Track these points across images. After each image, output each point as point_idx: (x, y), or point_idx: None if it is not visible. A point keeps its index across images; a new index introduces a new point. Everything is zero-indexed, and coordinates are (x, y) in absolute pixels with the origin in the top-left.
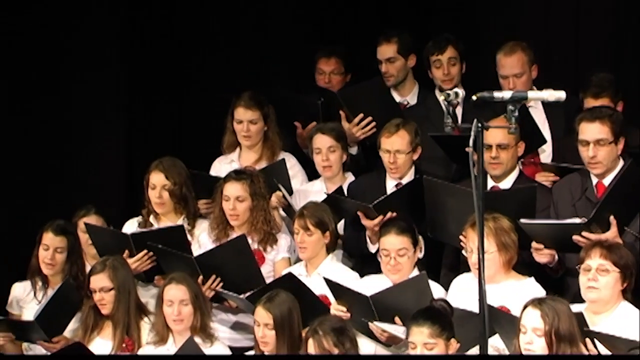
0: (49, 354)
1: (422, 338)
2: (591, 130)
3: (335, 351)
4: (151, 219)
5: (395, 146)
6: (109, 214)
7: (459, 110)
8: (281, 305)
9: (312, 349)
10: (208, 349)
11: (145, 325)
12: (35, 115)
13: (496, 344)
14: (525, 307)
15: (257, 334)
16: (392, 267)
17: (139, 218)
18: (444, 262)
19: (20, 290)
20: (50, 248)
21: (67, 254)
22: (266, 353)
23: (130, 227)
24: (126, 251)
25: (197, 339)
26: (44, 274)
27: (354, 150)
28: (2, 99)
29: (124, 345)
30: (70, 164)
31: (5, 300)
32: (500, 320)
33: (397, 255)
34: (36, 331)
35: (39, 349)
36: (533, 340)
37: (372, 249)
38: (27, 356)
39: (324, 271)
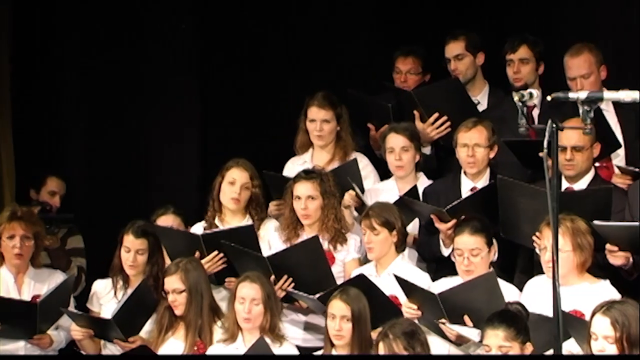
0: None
1: (497, 341)
2: None
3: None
4: (216, 221)
5: (474, 140)
6: (186, 215)
7: (535, 112)
8: (358, 300)
9: (382, 352)
10: (277, 349)
11: (218, 327)
12: (116, 120)
13: (571, 348)
14: (594, 313)
15: (332, 327)
16: (465, 267)
17: (204, 222)
18: (517, 265)
19: (101, 287)
20: (131, 250)
21: (148, 255)
22: (339, 347)
23: (196, 231)
24: (197, 252)
25: (266, 339)
26: (125, 273)
27: (427, 150)
28: (86, 104)
29: (195, 347)
30: (148, 166)
31: (87, 297)
32: (574, 325)
33: (471, 255)
34: (113, 330)
35: (114, 349)
36: (605, 347)
37: (445, 252)
38: (50, 356)
39: (393, 271)
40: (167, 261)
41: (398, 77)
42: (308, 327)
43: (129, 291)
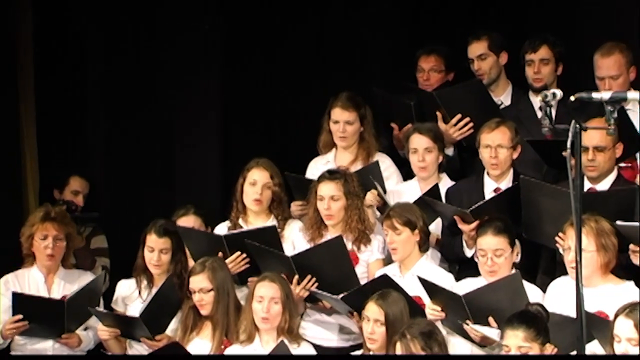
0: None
1: (516, 342)
2: None
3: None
4: (240, 221)
5: (497, 141)
6: (207, 215)
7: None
8: (394, 304)
9: (399, 352)
10: (295, 350)
11: (244, 327)
12: (139, 120)
13: (594, 350)
14: (617, 315)
15: (365, 330)
16: (489, 268)
17: (228, 223)
18: (540, 266)
19: (126, 287)
20: (155, 250)
21: (171, 253)
22: (373, 350)
23: (220, 231)
24: (220, 253)
25: (284, 340)
26: (149, 273)
27: (449, 151)
28: (109, 105)
29: (222, 346)
30: (171, 166)
31: (111, 297)
32: (597, 326)
33: (494, 256)
34: (140, 328)
35: (141, 348)
36: (628, 350)
37: (469, 253)
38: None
39: (417, 271)
40: (190, 260)
41: (421, 75)
42: (331, 327)
43: (154, 290)
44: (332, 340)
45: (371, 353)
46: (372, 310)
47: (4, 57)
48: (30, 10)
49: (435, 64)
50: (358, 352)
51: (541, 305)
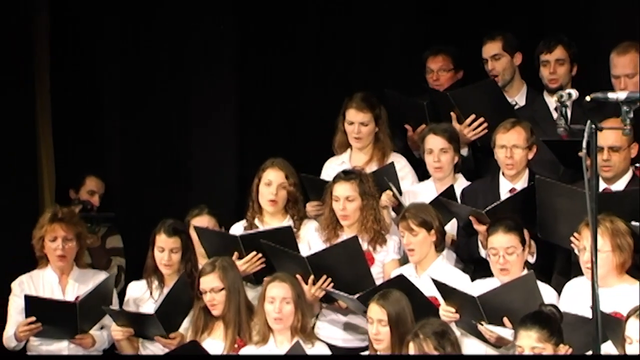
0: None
1: (529, 342)
2: None
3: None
4: (256, 221)
5: (512, 141)
6: (221, 215)
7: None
8: (395, 303)
9: (412, 352)
10: (309, 350)
11: (255, 326)
12: (154, 120)
13: (608, 350)
14: (628, 316)
15: (370, 331)
16: (501, 266)
17: (244, 222)
18: (556, 266)
19: (137, 289)
20: (165, 249)
21: (181, 252)
22: (379, 351)
23: (236, 231)
24: (235, 253)
25: (299, 341)
26: (159, 273)
27: (464, 151)
28: (124, 105)
29: (235, 345)
30: (187, 166)
31: (123, 299)
32: (612, 326)
33: (506, 254)
34: (155, 326)
35: (155, 349)
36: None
37: (484, 253)
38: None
39: (433, 272)
40: (201, 260)
41: (430, 76)
42: (348, 327)
43: (165, 290)
44: (347, 340)
45: (378, 353)
46: (375, 310)
47: (20, 56)
48: (46, 9)
49: (444, 63)
50: (366, 353)
51: (555, 306)
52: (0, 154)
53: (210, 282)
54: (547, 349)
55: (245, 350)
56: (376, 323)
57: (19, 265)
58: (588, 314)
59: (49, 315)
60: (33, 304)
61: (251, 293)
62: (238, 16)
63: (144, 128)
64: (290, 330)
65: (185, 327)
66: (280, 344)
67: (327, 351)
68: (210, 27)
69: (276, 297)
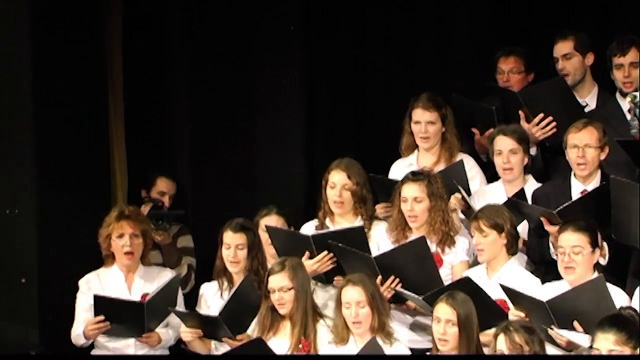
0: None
1: (607, 345)
2: None
3: (527, 348)
4: (327, 221)
5: (584, 141)
6: (289, 215)
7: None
8: (464, 304)
9: (502, 344)
10: (388, 349)
11: (321, 327)
12: (223, 121)
13: None
14: None
15: (436, 331)
16: (565, 265)
17: (315, 222)
18: (630, 268)
19: (208, 290)
20: (231, 246)
21: (247, 249)
22: (444, 352)
23: (308, 230)
24: (307, 252)
25: (378, 339)
26: (229, 274)
27: (532, 150)
28: (195, 108)
29: (300, 345)
30: (255, 167)
31: (196, 299)
32: None
33: (572, 253)
34: (221, 327)
35: (225, 348)
36: None
37: (555, 255)
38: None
39: (503, 275)
40: (270, 260)
41: (501, 77)
42: (415, 328)
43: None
44: (416, 341)
45: (444, 351)
46: (444, 310)
47: (94, 59)
48: (119, 11)
49: (515, 65)
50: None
51: (634, 309)
52: (74, 156)
53: (279, 281)
54: (625, 352)
55: (325, 349)
56: (444, 323)
57: (95, 264)
58: None
59: (117, 314)
60: (102, 304)
61: (321, 293)
62: (308, 17)
63: (214, 129)
64: (370, 331)
65: (252, 328)
66: (360, 344)
67: (406, 352)
68: (280, 29)
69: (351, 302)
